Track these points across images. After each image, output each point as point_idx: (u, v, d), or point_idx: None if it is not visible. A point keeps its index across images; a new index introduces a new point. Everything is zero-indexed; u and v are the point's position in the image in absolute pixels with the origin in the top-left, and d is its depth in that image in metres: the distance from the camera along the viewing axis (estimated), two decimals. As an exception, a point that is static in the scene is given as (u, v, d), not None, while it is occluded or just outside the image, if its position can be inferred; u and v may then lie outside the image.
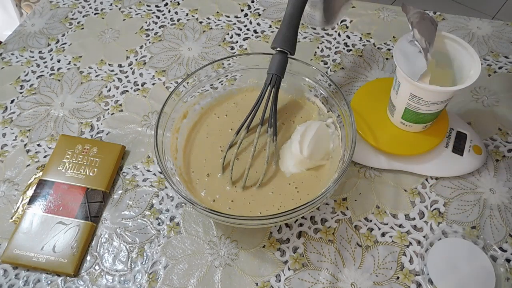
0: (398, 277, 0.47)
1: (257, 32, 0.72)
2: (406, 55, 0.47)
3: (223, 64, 0.54)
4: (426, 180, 0.54)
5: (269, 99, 0.50)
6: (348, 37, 0.71)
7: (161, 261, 0.49)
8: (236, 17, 0.75)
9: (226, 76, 0.56)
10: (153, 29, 0.74)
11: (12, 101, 0.65)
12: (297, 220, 0.51)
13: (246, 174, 0.48)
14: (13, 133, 0.61)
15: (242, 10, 0.76)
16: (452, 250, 0.47)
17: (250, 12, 0.75)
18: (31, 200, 0.53)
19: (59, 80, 0.67)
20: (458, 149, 0.53)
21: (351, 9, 0.74)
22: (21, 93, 0.66)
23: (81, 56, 0.70)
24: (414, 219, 0.51)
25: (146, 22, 0.75)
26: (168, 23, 0.75)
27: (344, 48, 0.69)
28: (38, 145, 0.60)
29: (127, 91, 0.66)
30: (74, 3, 0.79)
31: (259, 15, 0.75)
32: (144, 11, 0.77)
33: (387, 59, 0.67)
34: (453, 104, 0.61)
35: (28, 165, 0.58)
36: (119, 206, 0.54)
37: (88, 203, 0.52)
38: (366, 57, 0.68)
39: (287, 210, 0.42)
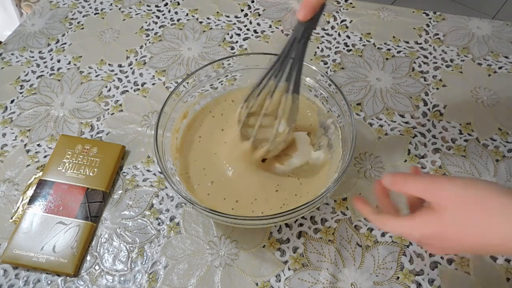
0: (398, 277, 0.47)
1: (257, 32, 0.72)
2: None
3: (223, 64, 0.54)
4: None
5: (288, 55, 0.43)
6: (348, 37, 0.71)
7: (161, 261, 0.49)
8: (236, 17, 0.75)
9: (226, 76, 0.56)
10: (153, 29, 0.74)
11: (12, 101, 0.65)
12: (297, 220, 0.51)
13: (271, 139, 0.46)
14: (13, 133, 0.61)
15: (242, 10, 0.76)
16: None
17: (250, 12, 0.75)
18: (31, 200, 0.53)
19: (59, 80, 0.67)
20: None
21: (351, 9, 0.74)
22: (21, 93, 0.66)
23: (81, 56, 0.70)
24: (414, 219, 0.51)
25: (146, 22, 0.75)
26: (168, 23, 0.75)
27: (344, 48, 0.69)
28: (38, 145, 0.60)
29: (127, 91, 0.65)
30: (74, 3, 0.79)
31: (259, 15, 0.75)
32: (144, 11, 0.77)
33: (387, 59, 0.67)
34: (453, 104, 0.61)
35: (28, 165, 0.58)
36: (119, 206, 0.54)
37: (88, 203, 0.52)
38: (366, 57, 0.68)
39: (287, 210, 0.42)
